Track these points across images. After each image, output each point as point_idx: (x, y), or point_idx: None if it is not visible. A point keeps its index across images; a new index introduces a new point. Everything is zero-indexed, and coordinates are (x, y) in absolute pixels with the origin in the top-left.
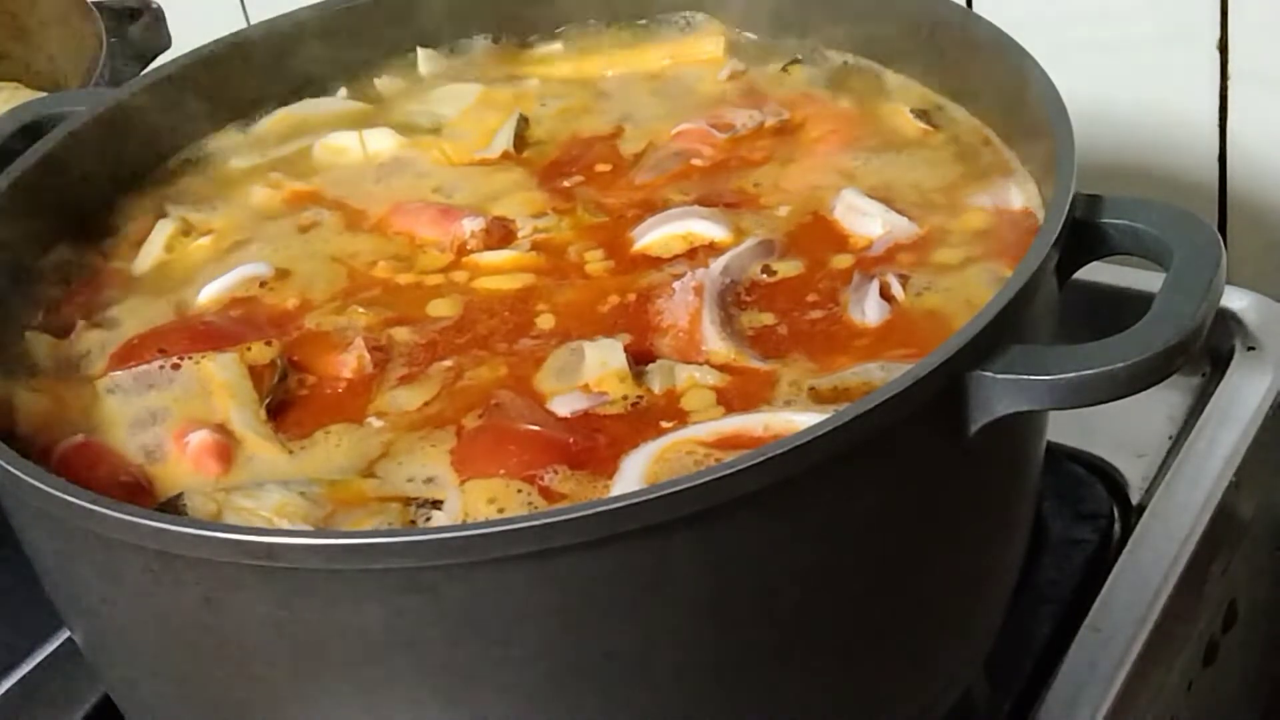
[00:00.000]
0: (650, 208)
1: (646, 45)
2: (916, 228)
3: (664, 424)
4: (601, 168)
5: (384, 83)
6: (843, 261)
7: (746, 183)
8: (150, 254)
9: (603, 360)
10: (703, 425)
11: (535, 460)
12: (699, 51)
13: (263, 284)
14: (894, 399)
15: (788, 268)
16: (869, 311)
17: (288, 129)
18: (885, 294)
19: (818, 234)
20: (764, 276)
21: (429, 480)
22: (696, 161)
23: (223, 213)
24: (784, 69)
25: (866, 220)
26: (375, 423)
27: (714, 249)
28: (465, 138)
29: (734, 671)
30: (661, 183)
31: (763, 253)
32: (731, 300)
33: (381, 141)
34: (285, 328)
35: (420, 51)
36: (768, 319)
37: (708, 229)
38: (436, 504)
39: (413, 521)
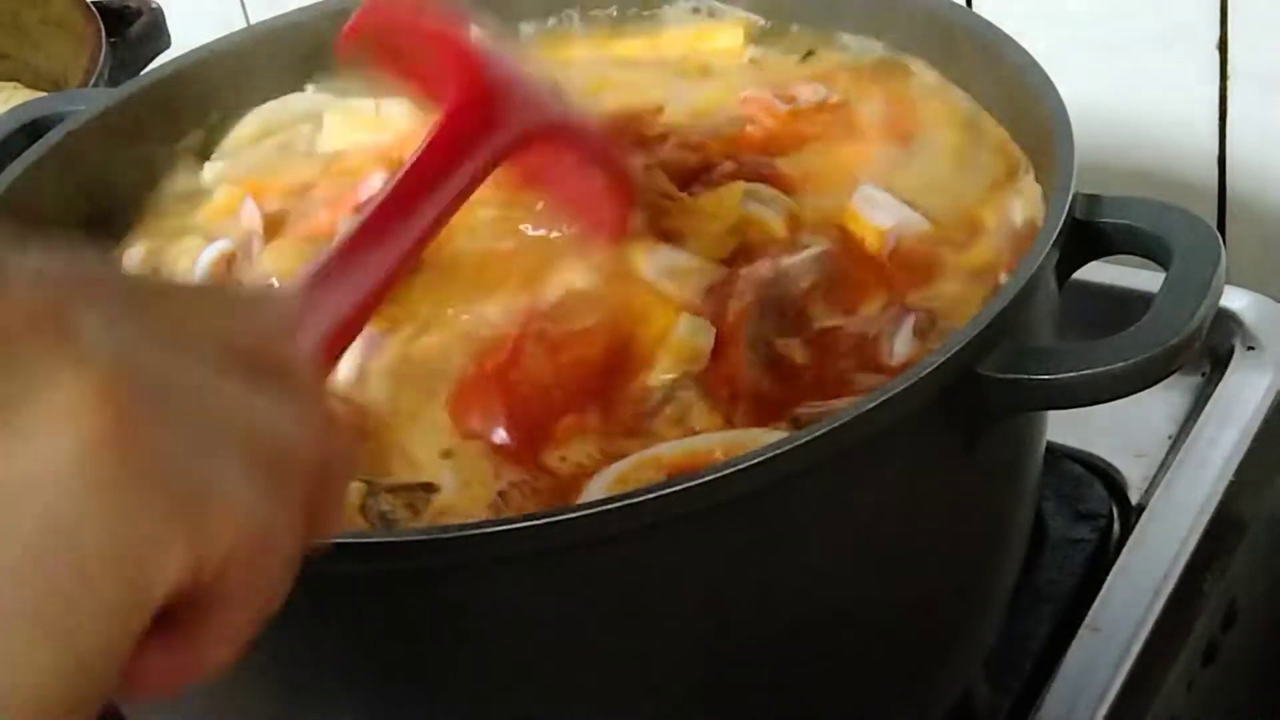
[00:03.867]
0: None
1: (665, 32)
2: (925, 223)
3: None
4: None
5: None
6: (875, 305)
7: (793, 165)
8: (140, 256)
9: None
10: (667, 445)
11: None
12: (718, 40)
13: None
14: (893, 398)
15: (826, 316)
16: (898, 348)
17: (269, 128)
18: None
19: (852, 256)
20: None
21: None
22: (751, 129)
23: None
24: (802, 59)
25: (880, 213)
26: None
27: (764, 231)
28: None
29: (733, 672)
30: (715, 147)
31: (816, 267)
32: (771, 326)
33: (379, 136)
34: None
35: None
36: (798, 353)
37: (760, 211)
38: (428, 487)
39: (410, 506)
